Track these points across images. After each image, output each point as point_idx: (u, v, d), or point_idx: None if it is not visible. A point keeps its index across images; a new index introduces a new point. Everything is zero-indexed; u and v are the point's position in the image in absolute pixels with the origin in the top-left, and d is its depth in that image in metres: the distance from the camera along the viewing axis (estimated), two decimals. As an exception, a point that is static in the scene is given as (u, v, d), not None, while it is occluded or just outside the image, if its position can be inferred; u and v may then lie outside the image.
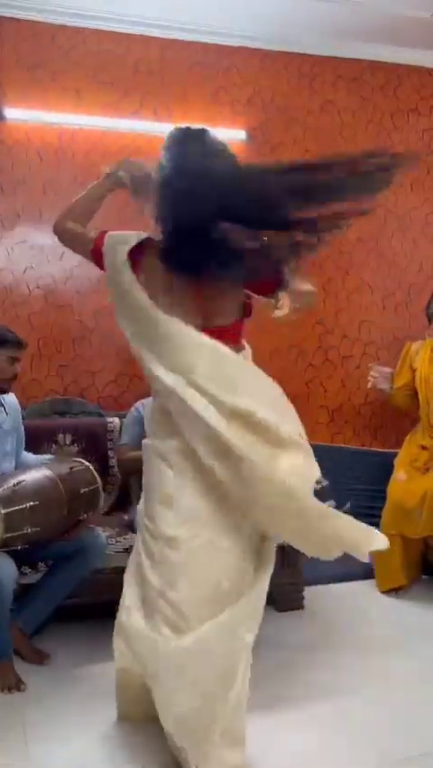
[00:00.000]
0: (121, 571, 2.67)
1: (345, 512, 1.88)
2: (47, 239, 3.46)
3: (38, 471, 2.44)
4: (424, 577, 3.28)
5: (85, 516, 2.55)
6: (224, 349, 1.91)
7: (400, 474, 3.26)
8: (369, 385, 3.57)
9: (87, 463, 2.61)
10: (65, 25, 3.46)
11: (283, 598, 2.96)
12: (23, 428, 2.76)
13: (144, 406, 3.10)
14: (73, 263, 3.53)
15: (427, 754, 2.01)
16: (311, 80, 3.88)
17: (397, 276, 4.04)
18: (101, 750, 2.03)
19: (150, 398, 3.12)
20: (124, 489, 3.19)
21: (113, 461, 3.21)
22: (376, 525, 3.26)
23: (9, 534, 2.26)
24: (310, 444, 2.04)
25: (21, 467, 2.64)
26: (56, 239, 2.19)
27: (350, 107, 3.96)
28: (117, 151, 3.56)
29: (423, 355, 3.38)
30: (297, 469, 1.83)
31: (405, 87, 4.05)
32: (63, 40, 3.47)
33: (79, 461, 2.61)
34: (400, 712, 2.23)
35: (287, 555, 2.97)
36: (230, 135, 3.72)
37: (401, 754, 2.01)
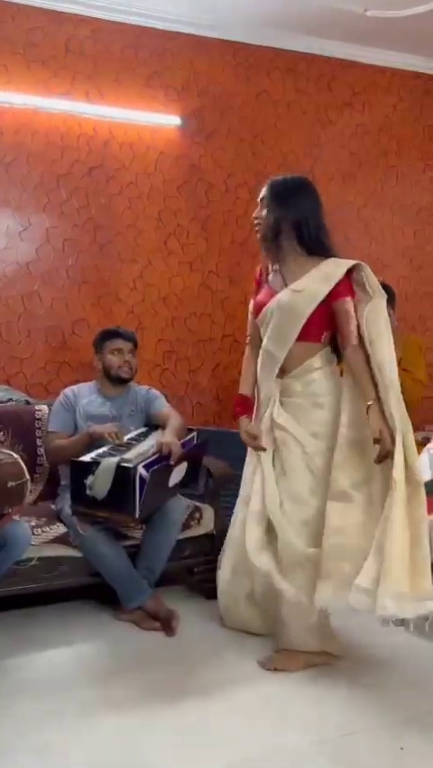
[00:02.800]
0: (49, 560, 2.65)
1: None
2: (-27, 220, 3.36)
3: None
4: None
5: (10, 510, 2.48)
6: None
7: None
8: None
9: (15, 456, 2.53)
10: (-7, -2, 3.33)
11: (213, 586, 2.97)
12: None
13: (74, 393, 3.06)
14: (0, 246, 3.43)
15: (351, 734, 2.06)
16: (246, 69, 3.87)
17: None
18: (25, 743, 1.99)
19: (80, 385, 3.11)
20: (51, 478, 3.12)
21: (41, 450, 3.14)
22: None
23: None
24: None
25: None
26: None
27: (285, 99, 3.97)
28: (48, 132, 3.47)
29: None
30: None
31: (339, 82, 4.09)
32: (-9, 13, 3.34)
33: (8, 454, 2.53)
34: (329, 695, 2.27)
35: (215, 543, 2.99)
36: (164, 121, 3.69)
37: (326, 734, 2.05)
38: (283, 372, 2.46)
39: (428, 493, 2.74)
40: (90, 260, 3.60)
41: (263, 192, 2.49)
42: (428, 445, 2.94)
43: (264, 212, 2.46)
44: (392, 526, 2.17)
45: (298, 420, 2.43)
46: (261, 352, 2.52)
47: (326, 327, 2.45)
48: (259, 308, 2.54)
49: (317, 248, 2.43)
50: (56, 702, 2.21)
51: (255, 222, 2.50)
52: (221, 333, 3.87)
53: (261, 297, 2.56)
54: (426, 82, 4.28)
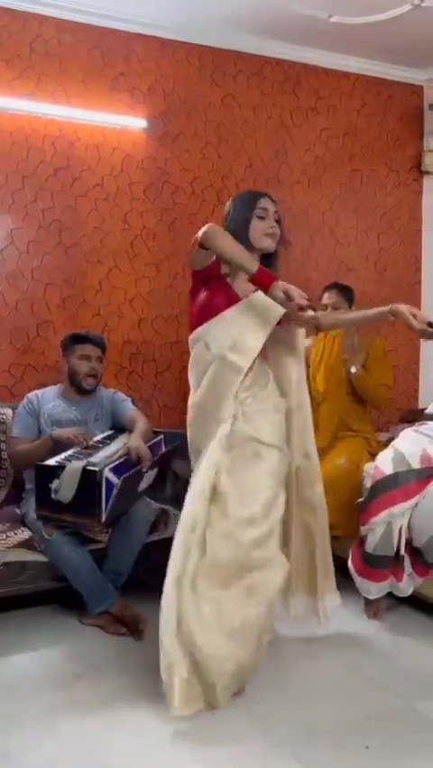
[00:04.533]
0: (14, 565, 2.62)
1: None
2: None
3: None
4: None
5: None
6: None
7: None
8: None
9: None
10: None
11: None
12: None
13: (38, 397, 3.03)
14: (-36, 247, 3.39)
15: (318, 734, 2.08)
16: (212, 72, 3.88)
17: (293, 272, 4.12)
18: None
19: (44, 390, 3.08)
20: (16, 482, 3.09)
21: (5, 455, 3.10)
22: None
23: None
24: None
25: None
26: None
27: (250, 102, 3.99)
28: (13, 132, 3.44)
29: (316, 350, 3.49)
30: None
31: (304, 86, 4.13)
32: None
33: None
34: (294, 695, 2.29)
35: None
36: (130, 123, 3.68)
37: (293, 734, 2.07)
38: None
39: (386, 488, 2.79)
40: (56, 261, 3.58)
41: (275, 206, 2.49)
42: (394, 442, 2.98)
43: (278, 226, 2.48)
44: None
45: (262, 427, 2.40)
46: (217, 366, 2.39)
47: None
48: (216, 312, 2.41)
49: None
50: (19, 707, 2.20)
51: (273, 231, 2.45)
52: (188, 336, 3.86)
53: (221, 300, 2.41)
54: (389, 87, 4.35)
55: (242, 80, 3.96)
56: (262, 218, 2.44)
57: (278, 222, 2.48)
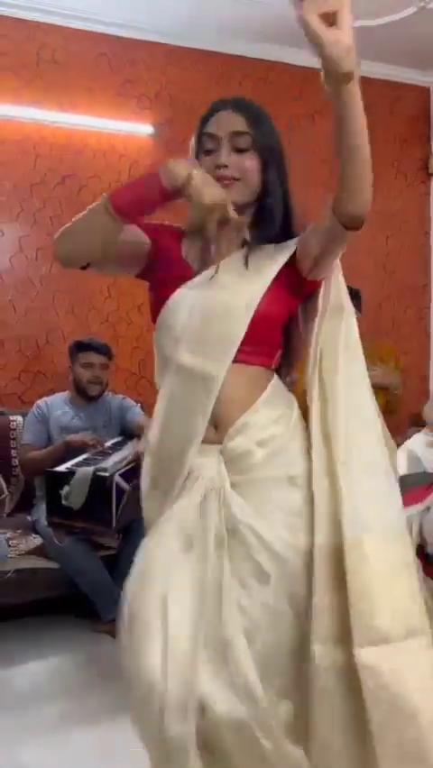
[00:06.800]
0: (25, 572, 2.62)
1: None
2: None
3: None
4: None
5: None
6: None
7: None
8: None
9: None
10: (-37, 7, 3.31)
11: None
12: None
13: (47, 404, 3.02)
14: (-27, 256, 3.40)
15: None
16: (218, 78, 3.88)
17: (302, 275, 4.13)
18: None
19: (53, 397, 3.08)
20: (26, 489, 3.09)
21: (15, 461, 3.10)
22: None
23: None
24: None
25: None
26: None
27: (257, 107, 3.99)
28: (20, 141, 3.46)
29: None
30: None
31: (309, 90, 4.12)
32: (-39, 22, 3.32)
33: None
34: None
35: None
36: (137, 129, 3.69)
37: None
38: (216, 429, 1.47)
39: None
40: (64, 268, 3.57)
41: (240, 121, 1.46)
42: (407, 442, 2.97)
43: (247, 160, 1.46)
44: None
45: (263, 510, 1.44)
46: (171, 378, 1.51)
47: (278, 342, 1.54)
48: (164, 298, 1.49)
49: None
50: (32, 716, 2.19)
51: (222, 171, 1.44)
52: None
53: (166, 275, 1.50)
54: (395, 90, 4.34)
55: (248, 85, 3.96)
56: (208, 152, 1.49)
57: (242, 150, 1.44)
